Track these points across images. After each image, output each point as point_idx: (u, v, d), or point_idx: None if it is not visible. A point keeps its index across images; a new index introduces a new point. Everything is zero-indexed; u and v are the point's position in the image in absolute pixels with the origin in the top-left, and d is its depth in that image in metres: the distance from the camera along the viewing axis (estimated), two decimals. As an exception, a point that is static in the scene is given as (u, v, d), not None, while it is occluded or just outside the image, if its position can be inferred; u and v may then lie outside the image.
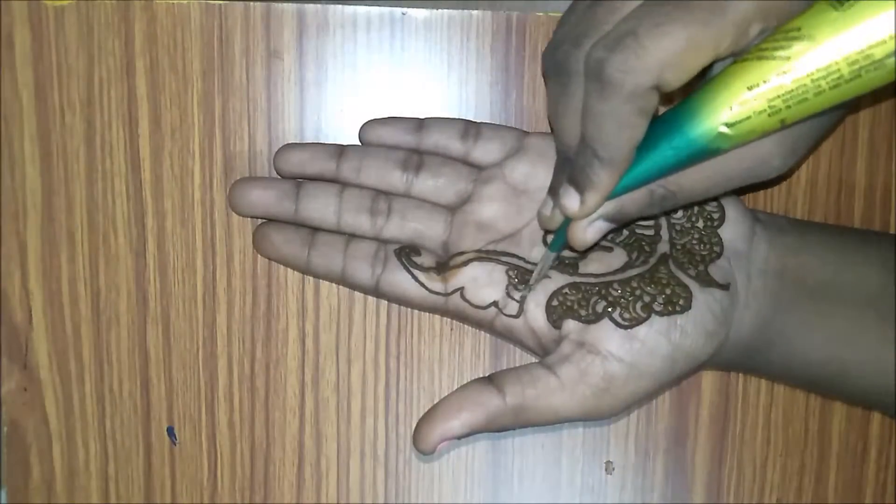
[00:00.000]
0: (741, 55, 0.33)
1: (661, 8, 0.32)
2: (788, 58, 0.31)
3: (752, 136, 0.33)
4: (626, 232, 0.41)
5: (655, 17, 0.32)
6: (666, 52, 0.31)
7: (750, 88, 0.32)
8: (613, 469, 0.47)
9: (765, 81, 0.32)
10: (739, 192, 0.42)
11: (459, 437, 0.38)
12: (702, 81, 0.35)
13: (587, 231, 0.37)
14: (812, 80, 0.31)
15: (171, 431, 0.46)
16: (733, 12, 0.32)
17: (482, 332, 0.46)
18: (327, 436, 0.46)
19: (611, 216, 0.36)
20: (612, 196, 0.36)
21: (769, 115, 0.32)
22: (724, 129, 0.33)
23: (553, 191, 0.37)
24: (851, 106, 0.42)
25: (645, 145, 0.34)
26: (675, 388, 0.46)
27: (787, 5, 0.32)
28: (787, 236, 0.41)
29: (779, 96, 0.32)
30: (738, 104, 0.32)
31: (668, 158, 0.34)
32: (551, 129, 0.37)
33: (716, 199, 0.41)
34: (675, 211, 0.41)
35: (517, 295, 0.40)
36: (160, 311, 0.45)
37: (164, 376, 0.45)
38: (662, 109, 0.35)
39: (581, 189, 0.35)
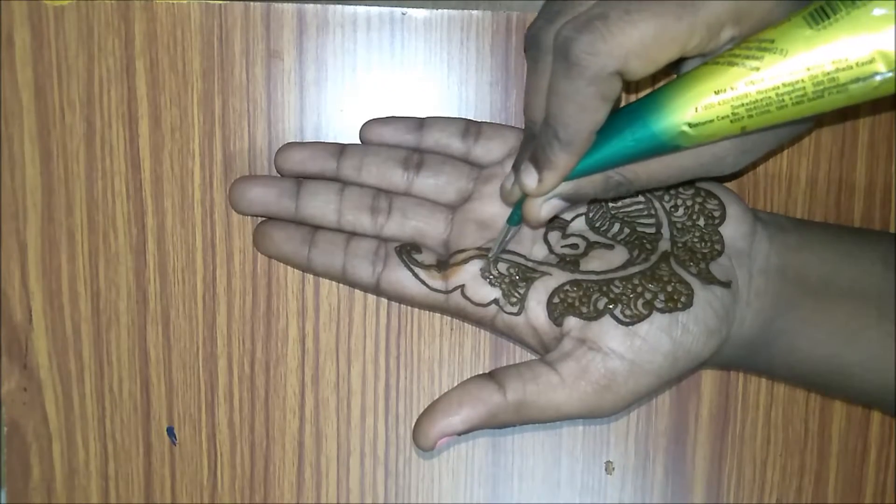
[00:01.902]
0: (711, 57, 0.33)
1: None
2: (757, 68, 0.32)
3: (711, 139, 0.34)
4: (627, 230, 0.41)
5: (628, 5, 0.32)
6: (632, 40, 0.32)
7: (717, 93, 0.33)
8: (613, 469, 0.47)
9: (732, 88, 0.32)
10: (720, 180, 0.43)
11: (460, 434, 0.38)
12: (668, 78, 0.35)
13: (542, 208, 0.37)
14: (777, 94, 0.32)
15: (170, 431, 0.46)
16: (706, 12, 0.32)
17: (482, 332, 0.46)
18: (327, 435, 0.46)
19: (566, 195, 0.37)
20: (570, 177, 0.36)
21: (731, 122, 0.33)
22: (686, 129, 0.34)
23: (516, 166, 0.38)
24: (815, 122, 0.43)
25: (607, 132, 0.35)
26: (676, 387, 0.46)
27: (762, 14, 0.33)
28: (787, 235, 0.41)
29: (743, 105, 0.33)
30: (703, 107, 0.33)
31: (628, 148, 0.35)
32: (524, 105, 0.37)
33: (716, 197, 0.41)
34: (676, 209, 0.41)
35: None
36: (160, 310, 0.45)
37: (164, 376, 0.45)
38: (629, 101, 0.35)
39: (539, 168, 0.36)
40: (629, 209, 0.41)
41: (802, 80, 0.31)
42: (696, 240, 0.40)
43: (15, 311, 0.45)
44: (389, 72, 0.44)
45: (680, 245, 0.40)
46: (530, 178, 0.36)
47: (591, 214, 0.42)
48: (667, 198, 0.41)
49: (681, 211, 0.41)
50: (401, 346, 0.46)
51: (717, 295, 0.39)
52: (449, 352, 0.46)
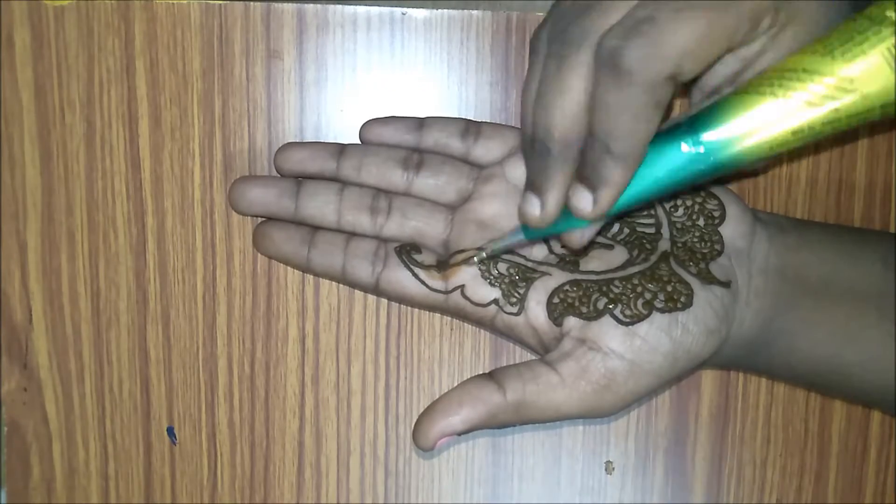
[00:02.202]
0: (739, 50, 0.33)
1: None
2: (837, 109, 0.31)
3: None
4: (626, 230, 0.41)
5: (675, 3, 0.31)
6: (685, 40, 0.31)
7: (794, 133, 0.32)
8: (613, 469, 0.47)
9: (811, 127, 0.32)
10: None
11: (459, 434, 0.38)
12: (710, 84, 0.35)
13: (587, 230, 0.36)
14: (848, 125, 0.32)
15: (171, 431, 0.46)
16: (749, 2, 0.32)
17: (482, 332, 0.46)
18: (327, 436, 0.46)
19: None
20: (627, 205, 0.34)
21: (797, 146, 0.33)
22: (757, 162, 0.33)
23: (533, 185, 0.35)
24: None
25: (667, 165, 0.34)
26: (676, 387, 0.46)
27: (798, 3, 0.33)
28: (787, 235, 0.41)
29: (814, 136, 0.32)
30: (780, 144, 0.33)
31: (691, 181, 0.34)
32: (523, 113, 0.35)
33: (716, 197, 0.41)
34: (676, 210, 0.41)
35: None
36: (160, 310, 0.45)
37: (164, 376, 0.45)
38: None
39: (594, 187, 0.34)
40: (629, 209, 0.41)
41: (873, 113, 0.31)
42: (695, 240, 0.40)
43: (15, 311, 0.45)
44: (389, 72, 0.44)
45: (680, 245, 0.40)
46: (584, 201, 0.34)
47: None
48: (666, 198, 0.41)
49: (680, 211, 0.41)
50: (401, 346, 0.46)
51: (716, 295, 0.39)
52: (449, 352, 0.46)
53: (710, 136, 0.33)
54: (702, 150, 0.33)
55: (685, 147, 0.33)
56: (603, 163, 0.33)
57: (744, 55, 0.34)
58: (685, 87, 0.37)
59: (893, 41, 0.30)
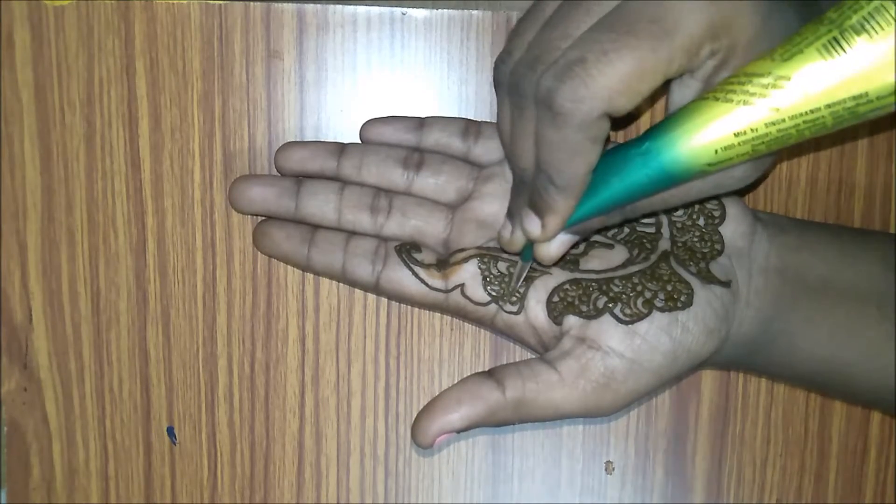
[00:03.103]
0: (718, 85, 0.33)
1: (608, 34, 0.31)
2: (777, 108, 0.31)
3: (727, 168, 0.34)
4: (626, 229, 0.41)
5: (603, 44, 0.31)
6: (614, 80, 0.31)
7: (737, 135, 0.32)
8: (613, 469, 0.47)
9: (752, 129, 0.32)
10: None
11: (458, 431, 0.38)
12: (671, 105, 0.35)
13: (551, 248, 0.37)
14: (797, 130, 0.32)
15: (171, 431, 0.46)
16: (682, 37, 0.32)
17: (482, 332, 0.46)
18: (327, 436, 0.46)
19: (574, 231, 0.37)
20: (585, 218, 0.36)
21: (750, 155, 0.33)
22: (706, 168, 0.33)
23: (511, 213, 0.37)
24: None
25: (618, 171, 0.34)
26: (675, 387, 0.46)
27: (741, 27, 0.32)
28: (787, 235, 0.41)
29: (763, 142, 0.32)
30: (723, 148, 0.33)
31: (643, 187, 0.35)
32: (504, 149, 0.37)
33: (716, 197, 0.41)
34: (676, 209, 0.41)
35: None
36: (160, 310, 0.45)
37: (164, 376, 0.45)
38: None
39: (541, 214, 0.36)
40: (629, 209, 0.41)
41: (823, 117, 0.31)
42: (695, 239, 0.40)
43: (15, 311, 0.45)
44: (389, 72, 0.44)
45: (680, 244, 0.40)
46: (534, 226, 0.36)
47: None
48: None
49: (680, 211, 0.41)
50: (401, 346, 0.46)
51: (716, 294, 0.39)
52: (449, 352, 0.46)
53: (653, 135, 0.34)
54: (644, 147, 0.34)
55: (632, 149, 0.34)
56: (547, 192, 0.35)
57: (701, 76, 0.34)
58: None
59: (830, 37, 0.30)
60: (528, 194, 0.36)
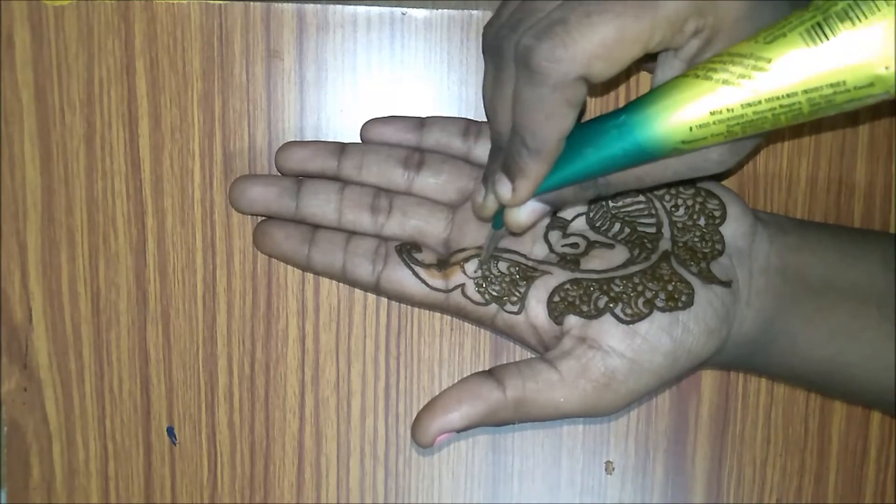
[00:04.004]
0: (700, 63, 0.33)
1: None
2: (755, 90, 0.31)
3: (702, 147, 0.34)
4: (627, 229, 0.41)
5: (587, 7, 0.31)
6: (594, 44, 0.31)
7: (712, 113, 0.32)
8: (613, 469, 0.47)
9: (729, 109, 0.32)
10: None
11: (459, 430, 0.38)
12: (655, 85, 0.35)
13: (521, 215, 0.37)
14: (773, 113, 0.32)
15: (171, 431, 0.46)
16: (666, 8, 0.32)
17: (482, 332, 0.46)
18: (327, 436, 0.46)
19: (546, 200, 0.37)
20: (557, 186, 0.36)
21: (725, 136, 0.33)
22: (680, 145, 0.33)
23: (486, 178, 0.37)
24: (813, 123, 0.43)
25: (593, 141, 0.34)
26: (676, 387, 0.46)
27: (724, 4, 0.32)
28: (787, 235, 0.41)
29: (739, 123, 0.32)
30: (699, 126, 0.33)
31: (616, 159, 0.35)
32: (485, 114, 0.37)
33: (716, 196, 0.41)
34: (677, 209, 0.41)
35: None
36: (160, 310, 0.45)
37: (164, 376, 0.45)
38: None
39: (512, 177, 0.35)
40: (630, 209, 0.41)
41: (799, 102, 0.31)
42: (696, 239, 0.40)
43: (15, 311, 0.45)
44: (389, 72, 0.44)
45: (681, 244, 0.40)
46: (504, 189, 0.36)
47: (591, 214, 0.42)
48: (667, 197, 0.41)
49: (681, 210, 0.41)
50: (401, 346, 0.46)
51: (717, 294, 0.39)
52: (449, 352, 0.46)
53: (631, 108, 0.34)
54: (621, 119, 0.34)
55: (609, 121, 0.34)
56: (520, 155, 0.35)
57: (685, 56, 0.34)
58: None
59: (814, 22, 0.30)
60: (503, 159, 0.36)
